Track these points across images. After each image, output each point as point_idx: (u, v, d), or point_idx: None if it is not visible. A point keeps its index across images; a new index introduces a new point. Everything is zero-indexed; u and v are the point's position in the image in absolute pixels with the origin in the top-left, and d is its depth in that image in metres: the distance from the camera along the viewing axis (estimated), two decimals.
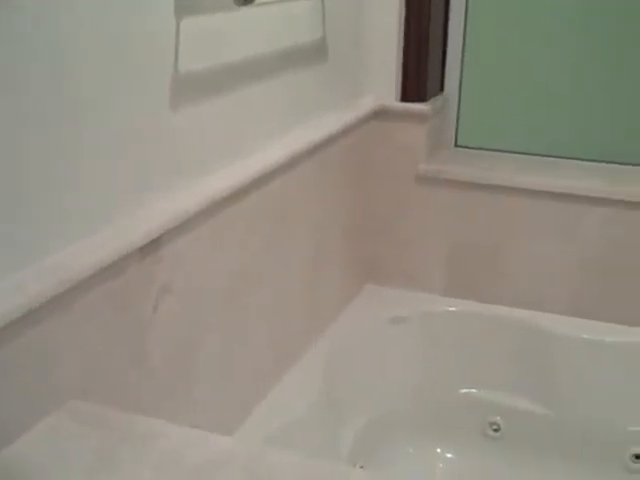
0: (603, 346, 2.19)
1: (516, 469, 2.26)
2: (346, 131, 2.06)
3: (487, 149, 2.42)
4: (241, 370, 1.72)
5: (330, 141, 1.97)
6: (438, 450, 2.31)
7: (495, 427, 2.30)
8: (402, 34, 2.17)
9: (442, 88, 2.36)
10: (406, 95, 2.20)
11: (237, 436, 1.68)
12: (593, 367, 2.19)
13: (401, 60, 2.19)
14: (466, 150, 2.44)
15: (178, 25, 1.32)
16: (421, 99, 2.20)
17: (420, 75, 2.18)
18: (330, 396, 1.97)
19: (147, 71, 1.28)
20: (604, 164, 2.30)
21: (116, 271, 1.23)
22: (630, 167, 2.28)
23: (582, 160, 2.33)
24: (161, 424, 1.08)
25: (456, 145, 2.44)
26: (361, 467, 2.10)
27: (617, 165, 2.30)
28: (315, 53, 1.88)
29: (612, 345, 2.18)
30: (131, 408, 1.27)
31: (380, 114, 2.22)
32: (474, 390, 2.30)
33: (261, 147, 1.67)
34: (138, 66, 1.26)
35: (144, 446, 1.03)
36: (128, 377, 1.31)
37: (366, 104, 2.17)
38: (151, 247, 1.31)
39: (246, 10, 1.49)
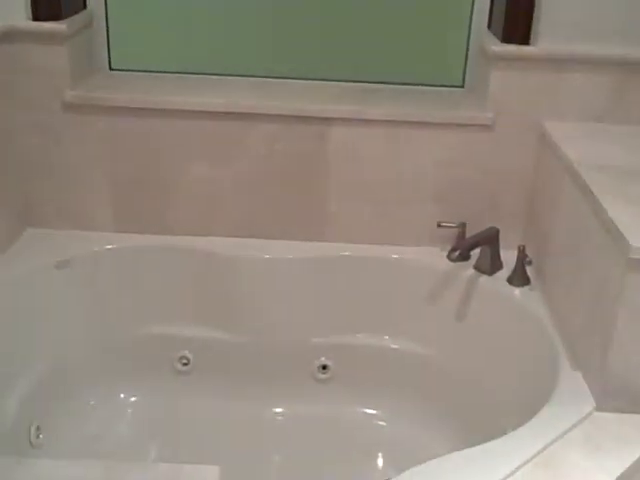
0: (278, 264, 2.17)
1: (209, 399, 2.21)
2: None
3: (145, 71, 2.25)
4: None
5: None
6: (122, 396, 2.19)
7: (184, 361, 2.22)
8: None
9: (85, 5, 2.14)
10: (38, 13, 1.95)
11: None
12: (272, 286, 2.17)
13: None
14: (122, 73, 2.25)
15: None
16: (55, 17, 1.96)
17: None
18: None
19: None
20: (264, 79, 2.25)
21: None
22: (289, 81, 2.25)
23: (242, 76, 2.25)
24: None
25: (111, 68, 2.25)
26: (38, 428, 1.92)
27: (276, 80, 2.25)
28: None
29: (287, 262, 2.17)
30: None
31: (10, 36, 1.95)
32: (157, 327, 2.19)
33: None
34: None
35: None
36: None
37: None
38: None
39: None
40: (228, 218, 2.20)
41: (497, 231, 2.09)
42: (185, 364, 2.22)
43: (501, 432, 1.60)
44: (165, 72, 2.25)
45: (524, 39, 2.03)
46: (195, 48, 2.25)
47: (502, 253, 2.11)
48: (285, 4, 2.20)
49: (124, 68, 2.25)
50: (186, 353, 2.21)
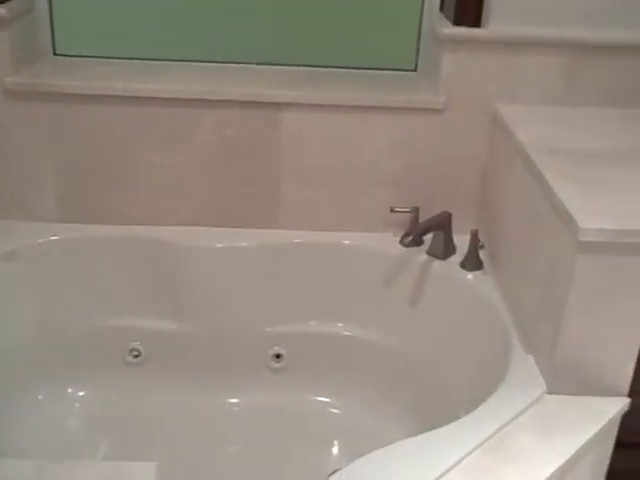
0: (231, 252, 2.13)
1: (161, 392, 2.17)
2: None
3: (92, 56, 2.19)
4: None
5: None
6: (70, 390, 2.14)
7: (135, 353, 2.18)
8: None
9: None
10: None
11: None
12: (224, 275, 2.13)
13: None
14: (67, 59, 2.18)
15: None
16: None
17: None
18: None
19: None
20: (213, 64, 2.20)
21: None
22: (238, 66, 2.20)
23: (191, 62, 2.20)
24: None
25: (55, 54, 2.19)
26: None
27: (225, 65, 2.21)
28: None
29: (239, 250, 2.13)
30: None
31: None
32: (107, 319, 2.14)
33: None
34: None
35: None
36: None
37: None
38: None
39: None
40: (179, 206, 2.16)
41: (449, 215, 2.08)
42: (136, 356, 2.17)
43: (456, 416, 1.59)
44: (112, 57, 2.19)
45: (475, 22, 2.01)
46: (142, 33, 2.19)
47: (456, 238, 2.09)
48: None
49: (69, 54, 2.19)
50: (137, 345, 2.17)
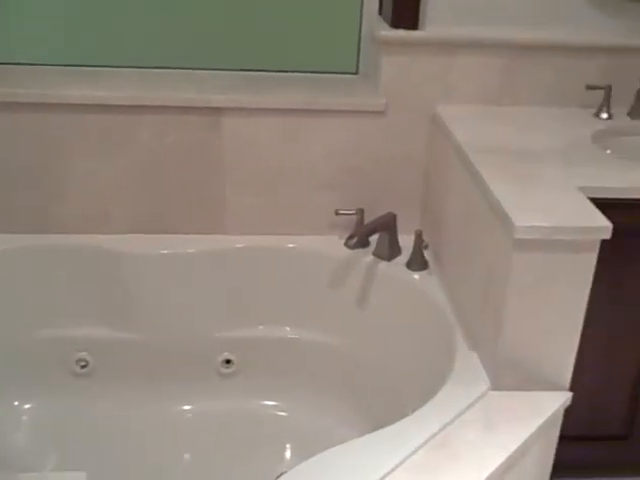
0: (177, 259, 2.12)
1: (111, 402, 2.15)
2: None
3: (28, 64, 2.16)
4: None
5: None
6: (16, 403, 2.10)
7: (83, 363, 2.15)
8: None
9: None
10: None
11: None
12: (170, 282, 2.12)
13: None
14: (3, 66, 2.14)
15: None
16: None
17: None
18: None
19: None
20: (152, 70, 2.19)
21: None
22: (177, 71, 2.20)
23: (129, 67, 2.18)
24: None
25: None
26: None
27: (164, 70, 2.19)
28: None
29: (185, 256, 2.12)
30: None
31: None
32: (51, 330, 2.11)
33: None
34: None
35: None
36: None
37: None
38: None
39: None
40: (122, 214, 2.14)
41: (394, 217, 2.09)
42: (83, 366, 2.15)
43: (404, 415, 1.60)
44: (48, 65, 2.16)
45: (413, 24, 2.03)
46: (80, 39, 2.16)
47: (401, 238, 2.11)
48: None
49: (5, 61, 2.15)
50: (84, 355, 2.14)
